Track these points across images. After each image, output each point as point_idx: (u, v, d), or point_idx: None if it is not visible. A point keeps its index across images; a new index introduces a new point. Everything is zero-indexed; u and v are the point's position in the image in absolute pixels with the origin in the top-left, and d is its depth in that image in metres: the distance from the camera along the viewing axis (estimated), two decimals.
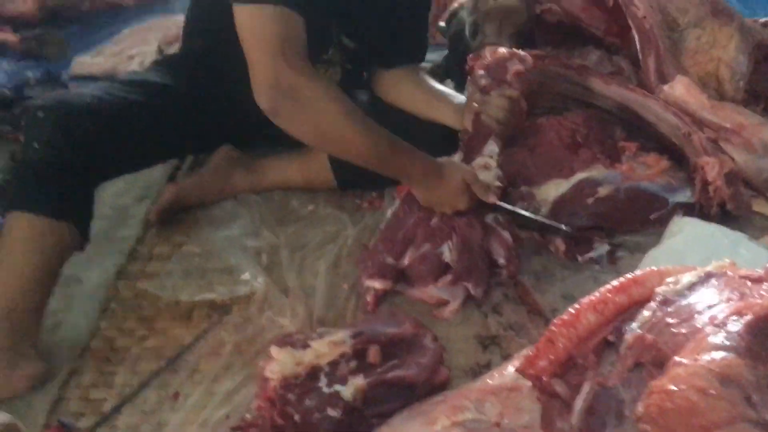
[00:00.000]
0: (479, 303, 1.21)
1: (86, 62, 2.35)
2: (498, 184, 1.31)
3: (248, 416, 1.03)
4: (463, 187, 1.26)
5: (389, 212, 1.35)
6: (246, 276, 1.33)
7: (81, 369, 1.17)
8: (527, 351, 0.96)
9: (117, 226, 1.58)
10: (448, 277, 1.20)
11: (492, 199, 1.28)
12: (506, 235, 1.27)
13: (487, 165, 1.34)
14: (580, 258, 1.28)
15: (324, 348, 1.00)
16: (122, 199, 1.66)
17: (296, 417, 0.95)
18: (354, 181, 1.54)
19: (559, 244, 1.31)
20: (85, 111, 1.30)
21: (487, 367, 1.09)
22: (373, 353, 1.00)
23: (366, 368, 0.99)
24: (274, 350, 1.00)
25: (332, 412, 0.94)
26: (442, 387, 1.01)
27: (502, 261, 1.24)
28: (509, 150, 1.42)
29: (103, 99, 1.35)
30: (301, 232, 1.46)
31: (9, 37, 2.57)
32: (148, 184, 1.69)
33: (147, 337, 1.22)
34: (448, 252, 1.22)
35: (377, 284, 1.22)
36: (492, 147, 1.36)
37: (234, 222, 1.50)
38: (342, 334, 1.02)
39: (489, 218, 1.28)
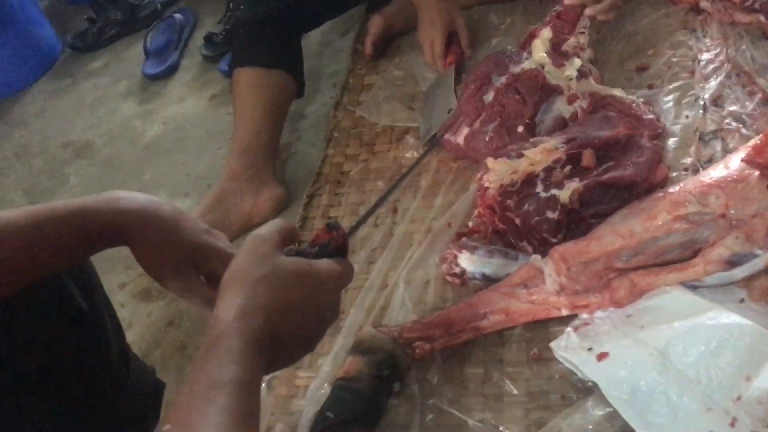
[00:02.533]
0: (697, 96, 1.15)
1: None
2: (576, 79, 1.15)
3: (470, 223, 1.12)
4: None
5: None
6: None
7: (318, 192, 1.31)
8: (755, 141, 0.92)
9: (328, 61, 1.68)
10: None
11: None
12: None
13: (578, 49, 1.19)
14: None
15: (538, 156, 1.03)
16: (328, 36, 1.75)
17: (516, 221, 1.00)
18: None
19: None
20: None
21: (709, 162, 1.05)
22: (587, 157, 1.01)
23: (581, 172, 1.01)
24: (490, 161, 1.05)
25: (551, 214, 0.98)
26: (662, 186, 1.00)
27: None
28: None
29: None
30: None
31: None
32: (348, 18, 1.76)
33: (369, 160, 1.33)
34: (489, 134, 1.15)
35: None
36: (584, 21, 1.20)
37: None
38: (554, 141, 1.04)
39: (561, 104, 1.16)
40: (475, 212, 1.11)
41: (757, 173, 0.88)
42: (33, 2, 2.16)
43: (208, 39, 1.87)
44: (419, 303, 1.05)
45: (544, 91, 1.15)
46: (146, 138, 1.70)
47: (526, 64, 1.19)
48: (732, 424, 0.74)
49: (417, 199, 1.20)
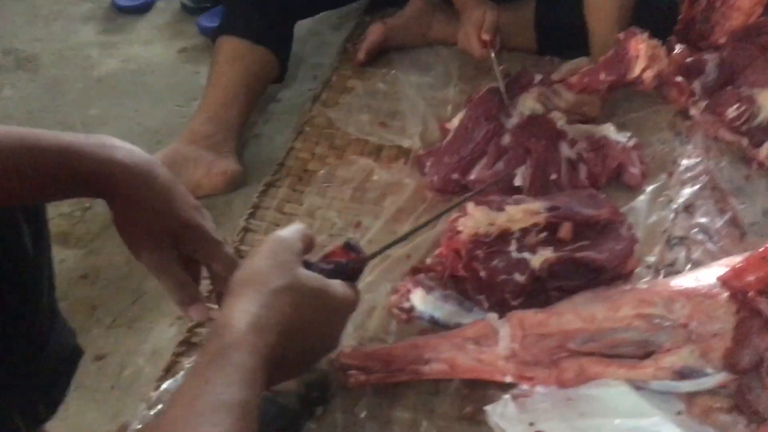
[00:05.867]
0: (671, 198, 1.18)
1: None
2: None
3: (428, 261, 1.08)
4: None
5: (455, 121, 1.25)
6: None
7: (277, 183, 1.24)
8: (728, 261, 0.94)
9: (313, 51, 1.62)
10: None
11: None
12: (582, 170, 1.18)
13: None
14: None
15: (518, 214, 1.01)
16: (319, 25, 1.69)
17: (482, 273, 0.98)
18: (555, 46, 1.49)
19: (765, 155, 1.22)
20: None
21: (671, 266, 1.07)
22: (566, 230, 1.00)
23: (555, 242, 1.00)
24: (470, 206, 1.02)
25: (518, 277, 0.96)
26: (626, 277, 1.01)
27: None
28: (738, 44, 1.31)
29: None
30: None
31: None
32: (344, 14, 1.70)
33: (336, 166, 1.27)
34: (520, 177, 1.15)
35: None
36: None
37: (426, 72, 1.48)
38: (538, 205, 1.02)
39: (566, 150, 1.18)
40: (437, 251, 1.08)
41: (726, 294, 0.89)
42: None
43: None
44: (360, 328, 1.00)
45: (558, 136, 1.18)
46: (100, 71, 1.58)
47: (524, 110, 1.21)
48: None
49: (380, 220, 1.16)
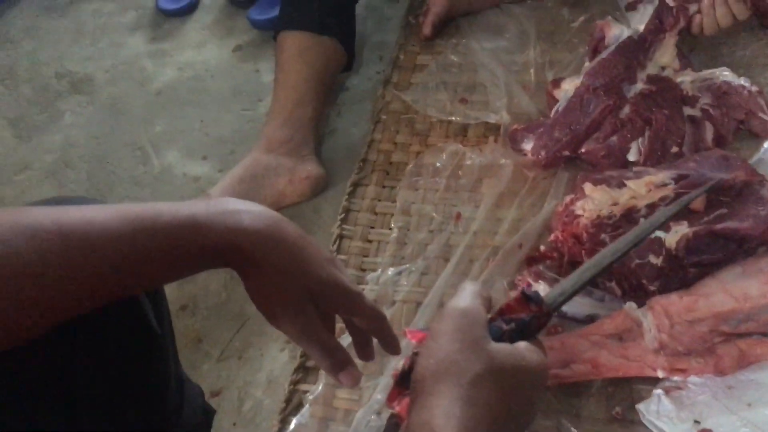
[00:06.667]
0: None
1: None
2: None
3: (542, 248, 1.00)
4: None
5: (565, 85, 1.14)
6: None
7: (364, 181, 1.17)
8: None
9: (373, 30, 1.52)
10: None
11: None
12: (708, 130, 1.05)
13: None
14: None
15: (642, 189, 0.92)
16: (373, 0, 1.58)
17: None
18: None
19: None
20: None
21: None
22: (699, 200, 0.90)
23: (688, 215, 0.90)
24: (588, 187, 0.94)
25: (654, 260, 0.87)
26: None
27: None
28: None
29: None
30: (574, 43, 1.32)
31: None
32: None
33: (422, 153, 1.19)
34: (636, 151, 1.03)
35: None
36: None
37: (500, 35, 1.38)
38: (663, 175, 0.93)
39: (689, 109, 1.06)
40: (551, 236, 0.99)
41: None
42: None
43: None
44: None
45: (684, 102, 1.06)
46: (158, 83, 1.51)
47: (651, 68, 1.09)
48: None
49: (482, 209, 1.08)
